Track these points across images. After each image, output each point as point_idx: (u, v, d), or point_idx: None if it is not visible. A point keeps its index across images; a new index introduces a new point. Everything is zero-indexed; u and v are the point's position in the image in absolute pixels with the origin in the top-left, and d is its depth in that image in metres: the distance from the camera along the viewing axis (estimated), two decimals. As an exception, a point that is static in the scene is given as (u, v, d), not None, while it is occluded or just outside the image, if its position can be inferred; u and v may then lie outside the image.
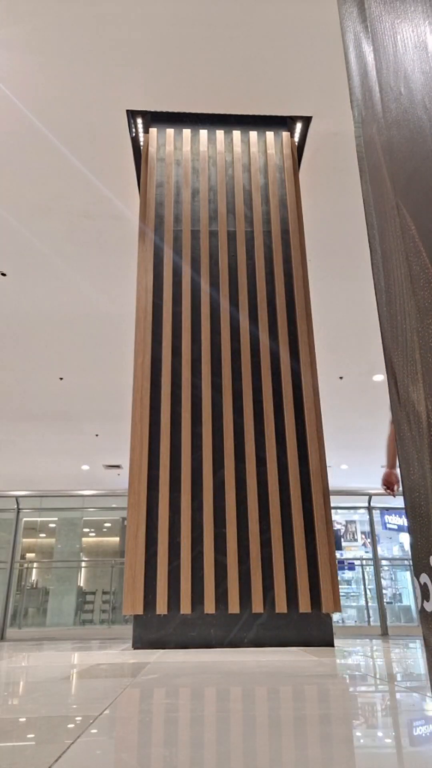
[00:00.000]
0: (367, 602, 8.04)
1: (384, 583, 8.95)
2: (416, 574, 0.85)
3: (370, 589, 8.47)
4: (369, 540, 9.31)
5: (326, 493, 3.23)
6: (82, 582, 13.87)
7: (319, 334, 6.85)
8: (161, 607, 2.95)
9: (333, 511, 3.47)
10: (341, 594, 10.26)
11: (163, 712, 1.06)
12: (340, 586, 3.22)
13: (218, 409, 3.37)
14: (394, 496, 2.91)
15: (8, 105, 4.07)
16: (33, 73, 3.88)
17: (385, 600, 5.57)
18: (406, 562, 11.43)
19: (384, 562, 11.31)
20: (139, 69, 3.89)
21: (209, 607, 2.94)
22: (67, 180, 4.77)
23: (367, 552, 14.39)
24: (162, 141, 4.22)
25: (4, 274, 5.93)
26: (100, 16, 3.55)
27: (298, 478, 3.23)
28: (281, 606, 2.95)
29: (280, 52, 3.80)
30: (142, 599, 2.94)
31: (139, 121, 4.25)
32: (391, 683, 1.53)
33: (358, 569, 11.53)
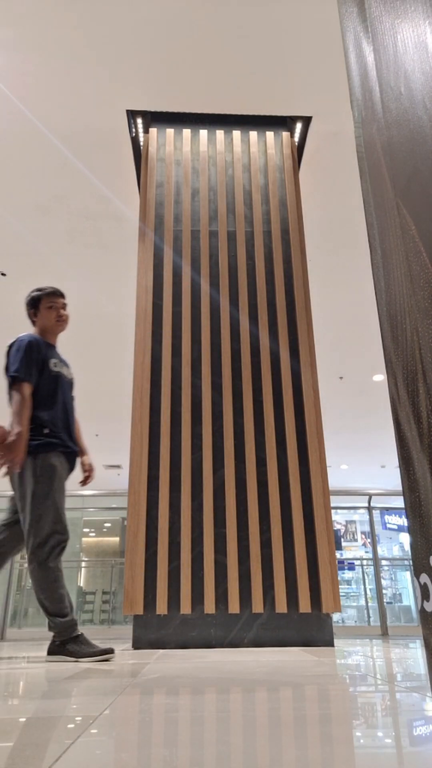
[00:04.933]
0: (367, 602, 8.04)
1: (384, 583, 8.95)
2: (416, 574, 0.85)
3: (370, 589, 8.47)
4: (369, 540, 9.31)
5: (326, 493, 3.23)
6: (82, 582, 13.87)
7: (319, 334, 6.85)
8: (161, 607, 2.95)
9: (333, 511, 3.47)
10: (341, 594, 10.26)
11: (163, 712, 1.06)
12: (340, 586, 3.22)
13: (218, 409, 3.37)
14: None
15: (8, 105, 4.07)
16: (33, 73, 3.88)
17: (385, 600, 5.56)
18: (406, 562, 11.43)
19: (384, 562, 11.31)
20: (139, 69, 3.89)
21: (209, 607, 2.94)
22: (67, 180, 4.77)
23: (367, 552, 14.40)
24: (162, 141, 4.22)
25: (3, 274, 5.93)
26: (100, 16, 3.55)
27: (298, 478, 3.23)
28: (281, 606, 2.96)
29: (280, 52, 3.80)
30: (142, 599, 2.94)
31: (139, 121, 4.25)
32: (391, 683, 1.53)
33: (358, 569, 11.53)
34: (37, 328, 2.86)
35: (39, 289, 2.88)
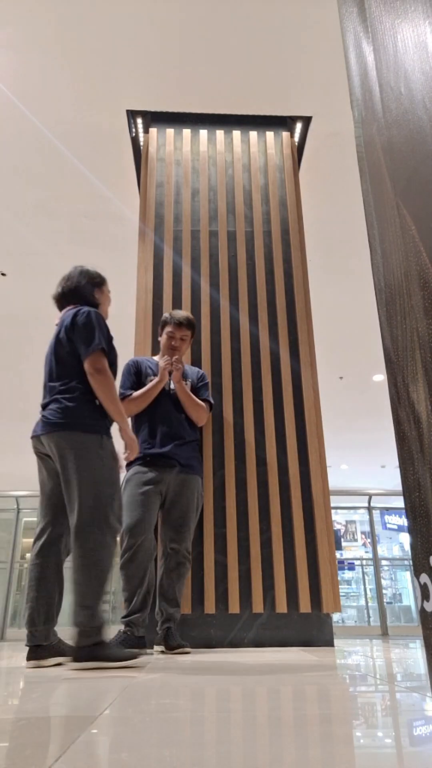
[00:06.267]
0: (367, 602, 8.04)
1: (384, 583, 8.94)
2: (416, 574, 0.85)
3: (370, 589, 8.46)
4: (369, 540, 9.31)
5: (326, 493, 3.23)
6: (82, 582, 13.81)
7: (319, 334, 6.84)
8: (161, 607, 2.94)
9: (333, 511, 3.47)
10: (341, 594, 10.24)
11: (164, 711, 1.06)
12: (340, 586, 3.22)
13: (218, 409, 3.37)
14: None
15: (8, 105, 4.07)
16: (33, 73, 3.88)
17: (385, 600, 5.57)
18: (406, 562, 11.43)
19: (384, 562, 11.30)
20: (139, 69, 3.89)
21: (209, 607, 2.94)
22: (67, 180, 4.77)
23: (367, 552, 14.38)
24: (162, 141, 4.22)
25: (4, 274, 5.93)
26: (101, 16, 3.55)
27: (298, 478, 3.23)
28: (281, 606, 2.95)
29: (280, 52, 3.80)
30: (142, 599, 2.94)
31: (139, 121, 4.25)
32: (391, 683, 1.54)
33: (358, 569, 11.51)
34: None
35: (170, 313, 3.06)
